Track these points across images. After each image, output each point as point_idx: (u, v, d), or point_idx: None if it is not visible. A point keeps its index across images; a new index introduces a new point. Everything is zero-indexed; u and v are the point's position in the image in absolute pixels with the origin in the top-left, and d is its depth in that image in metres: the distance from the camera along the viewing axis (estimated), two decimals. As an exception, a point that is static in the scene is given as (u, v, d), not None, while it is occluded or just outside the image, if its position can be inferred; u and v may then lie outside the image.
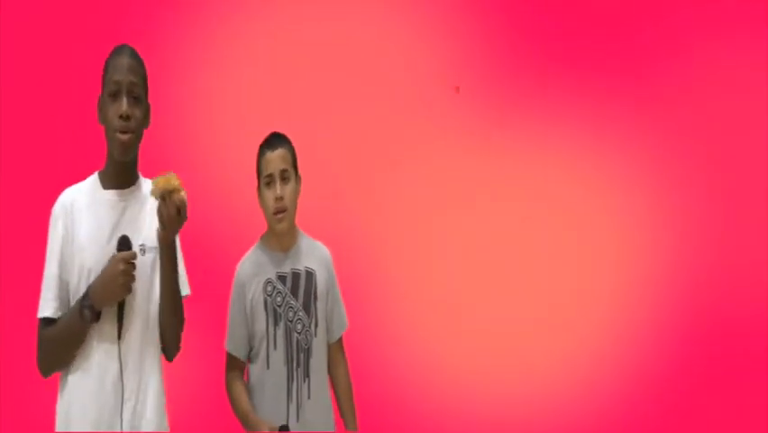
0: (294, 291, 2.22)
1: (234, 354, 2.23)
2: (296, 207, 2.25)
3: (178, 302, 1.99)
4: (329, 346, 2.32)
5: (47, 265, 1.96)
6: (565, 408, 3.14)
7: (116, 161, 1.97)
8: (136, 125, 1.94)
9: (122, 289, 1.87)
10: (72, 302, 1.92)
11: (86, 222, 1.95)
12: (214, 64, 3.14)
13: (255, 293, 2.21)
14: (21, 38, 3.02)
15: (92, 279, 1.90)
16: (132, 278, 1.88)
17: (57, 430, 1.94)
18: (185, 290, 2.05)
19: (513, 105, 3.23)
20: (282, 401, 2.18)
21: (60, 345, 1.92)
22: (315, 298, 2.25)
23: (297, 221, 2.30)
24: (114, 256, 1.88)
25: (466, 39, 3.24)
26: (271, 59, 3.17)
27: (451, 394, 3.14)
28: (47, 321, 1.94)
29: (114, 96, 1.92)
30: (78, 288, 1.92)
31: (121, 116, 1.90)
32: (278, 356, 2.19)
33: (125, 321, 1.92)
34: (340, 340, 2.37)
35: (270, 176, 2.20)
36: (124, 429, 1.89)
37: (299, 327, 2.21)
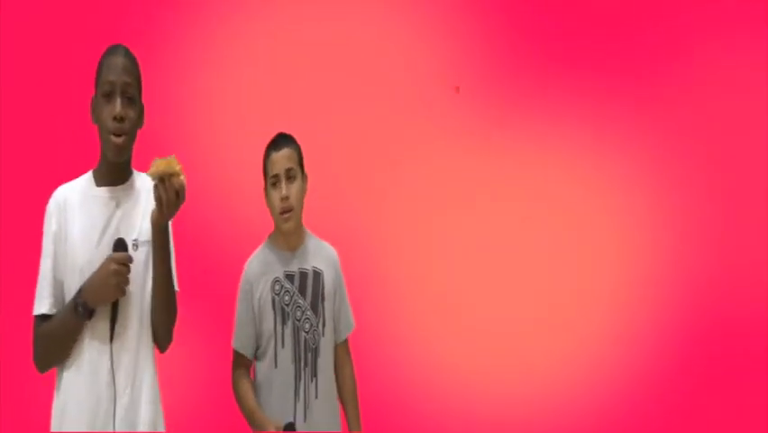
0: (302, 291, 2.23)
1: (241, 351, 2.23)
2: (302, 207, 2.25)
3: (171, 291, 1.97)
4: (335, 346, 2.32)
5: (42, 263, 1.96)
6: (566, 408, 3.14)
7: (110, 162, 1.96)
8: (130, 127, 1.93)
9: (114, 289, 1.86)
10: (67, 299, 1.92)
11: (79, 219, 1.94)
12: (214, 64, 3.14)
13: (263, 292, 2.20)
14: (21, 38, 3.02)
15: (85, 276, 1.89)
16: (126, 280, 1.88)
17: (52, 428, 1.94)
18: (174, 286, 2.02)
19: (513, 105, 3.23)
20: (290, 400, 2.18)
21: (55, 341, 1.92)
22: (323, 298, 2.25)
23: (298, 221, 2.30)
24: (108, 256, 1.88)
25: (466, 39, 3.24)
26: (271, 59, 3.16)
27: (451, 394, 3.13)
28: (42, 318, 1.94)
29: (108, 96, 1.91)
30: (72, 285, 1.91)
31: (115, 118, 1.89)
32: (286, 355, 2.19)
33: (119, 321, 1.91)
34: (346, 341, 2.37)
35: (276, 176, 2.20)
36: (118, 427, 1.89)
37: (307, 326, 2.21)
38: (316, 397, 2.21)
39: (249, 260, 2.27)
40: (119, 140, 1.91)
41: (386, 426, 2.97)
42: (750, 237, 3.17)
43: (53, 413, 1.94)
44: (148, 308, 1.96)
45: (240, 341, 2.23)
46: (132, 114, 1.93)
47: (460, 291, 3.16)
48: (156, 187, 1.84)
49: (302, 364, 2.20)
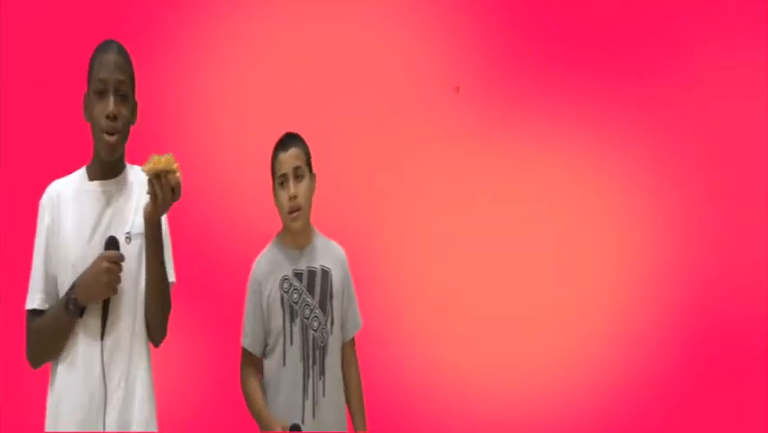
0: (310, 289, 2.23)
1: (250, 349, 2.23)
2: (310, 205, 2.25)
3: (164, 284, 1.96)
4: (342, 345, 2.32)
5: (34, 258, 1.96)
6: (566, 408, 3.14)
7: (103, 159, 1.96)
8: (123, 125, 1.92)
9: (106, 287, 1.86)
10: (60, 294, 1.92)
11: (72, 214, 1.94)
12: (214, 64, 3.14)
13: (272, 290, 2.20)
14: (20, 37, 3.02)
15: (77, 271, 1.89)
16: (118, 279, 1.87)
17: (46, 426, 1.94)
18: (170, 277, 2.02)
19: (513, 105, 3.23)
20: (298, 398, 2.18)
21: (47, 337, 1.92)
22: (331, 297, 2.26)
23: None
24: (100, 254, 1.87)
25: (466, 39, 3.24)
26: (271, 59, 3.16)
27: (451, 394, 3.13)
28: (34, 313, 1.94)
29: (101, 94, 1.91)
30: (65, 280, 1.91)
31: (108, 116, 1.89)
32: (295, 352, 2.19)
33: (110, 317, 1.90)
34: (353, 339, 2.37)
35: (284, 175, 2.20)
36: (109, 423, 1.88)
37: (315, 324, 2.22)
38: (324, 395, 2.21)
39: (257, 258, 2.27)
40: (112, 138, 1.91)
41: (386, 426, 2.97)
42: (750, 237, 3.17)
43: (48, 409, 1.94)
44: (142, 302, 1.96)
45: (249, 339, 2.23)
46: (124, 111, 1.92)
47: (459, 291, 3.16)
48: (151, 182, 1.83)
49: (310, 362, 2.20)
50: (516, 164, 3.23)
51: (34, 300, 1.93)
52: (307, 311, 2.21)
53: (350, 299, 2.35)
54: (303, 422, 2.16)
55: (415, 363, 3.14)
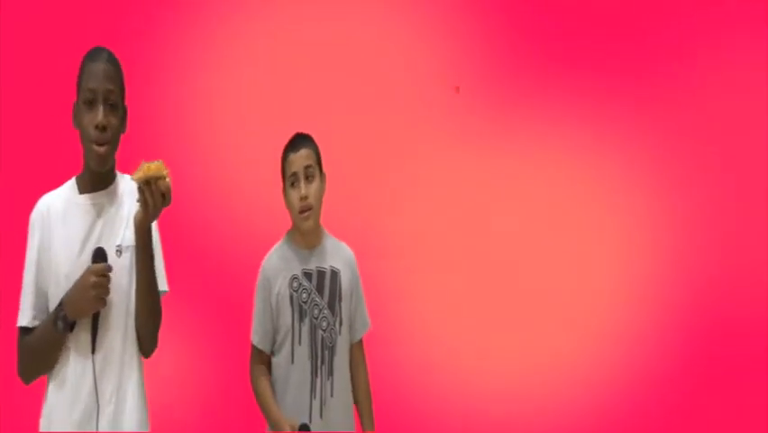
0: (319, 289, 2.23)
1: (260, 347, 2.23)
2: (321, 205, 2.25)
3: (154, 294, 1.94)
4: (351, 346, 2.32)
5: (25, 274, 1.94)
6: (566, 408, 3.14)
7: (92, 170, 1.94)
8: (113, 135, 1.91)
9: (94, 301, 1.84)
10: (51, 309, 1.90)
11: (62, 229, 1.92)
12: (214, 64, 3.14)
13: (281, 288, 2.20)
14: (20, 38, 3.02)
15: (68, 286, 1.87)
16: (106, 291, 1.85)
17: None
18: (163, 286, 2.00)
19: (513, 105, 3.23)
20: (306, 397, 2.18)
21: (37, 353, 1.91)
22: (340, 298, 2.26)
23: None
24: (87, 268, 1.86)
25: (466, 39, 3.24)
26: (271, 59, 3.16)
27: (451, 394, 3.13)
28: (25, 330, 1.92)
29: (90, 104, 1.89)
30: (56, 295, 1.90)
31: (97, 126, 1.87)
32: (303, 351, 2.19)
33: (100, 331, 1.89)
34: (361, 340, 2.37)
35: (295, 175, 2.20)
36: None
37: (324, 324, 2.21)
38: (332, 395, 2.21)
39: (267, 256, 2.27)
40: (101, 149, 1.89)
41: (386, 425, 2.97)
42: (750, 237, 3.17)
43: (41, 424, 1.93)
44: (133, 315, 1.94)
45: (258, 336, 2.23)
46: (114, 121, 1.90)
47: (459, 291, 3.16)
48: (140, 189, 1.81)
49: (318, 362, 2.20)
50: (516, 164, 3.23)
51: (24, 318, 1.92)
52: (316, 311, 2.21)
53: (358, 301, 2.35)
54: (311, 422, 2.16)
55: (414, 362, 3.14)
